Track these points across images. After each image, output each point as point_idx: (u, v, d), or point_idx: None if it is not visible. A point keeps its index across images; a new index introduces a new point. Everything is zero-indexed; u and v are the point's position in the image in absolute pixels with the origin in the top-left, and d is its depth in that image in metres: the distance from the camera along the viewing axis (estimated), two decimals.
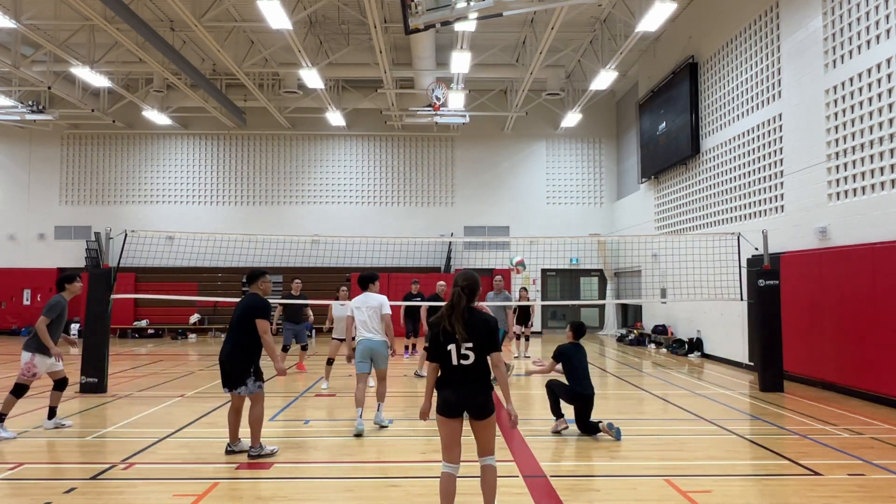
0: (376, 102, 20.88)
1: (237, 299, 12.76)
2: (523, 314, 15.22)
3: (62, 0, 14.40)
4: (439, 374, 4.35)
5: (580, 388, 7.33)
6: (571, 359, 7.52)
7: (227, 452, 6.42)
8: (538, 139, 23.50)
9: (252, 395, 6.37)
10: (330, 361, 10.85)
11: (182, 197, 23.36)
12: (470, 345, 4.22)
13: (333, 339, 10.95)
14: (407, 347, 15.25)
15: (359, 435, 7.24)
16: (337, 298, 11.27)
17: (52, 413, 7.70)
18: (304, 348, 12.77)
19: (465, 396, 4.25)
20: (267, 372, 7.18)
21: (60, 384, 7.83)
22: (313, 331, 21.15)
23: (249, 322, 6.33)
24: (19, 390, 7.51)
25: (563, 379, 7.63)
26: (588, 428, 7.31)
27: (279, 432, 7.56)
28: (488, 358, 4.33)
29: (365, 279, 7.87)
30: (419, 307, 12.86)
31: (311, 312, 13.28)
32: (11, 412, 7.59)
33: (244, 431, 6.52)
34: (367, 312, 7.57)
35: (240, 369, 6.32)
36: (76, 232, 23.08)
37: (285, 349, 12.32)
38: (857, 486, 5.48)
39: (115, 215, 22.34)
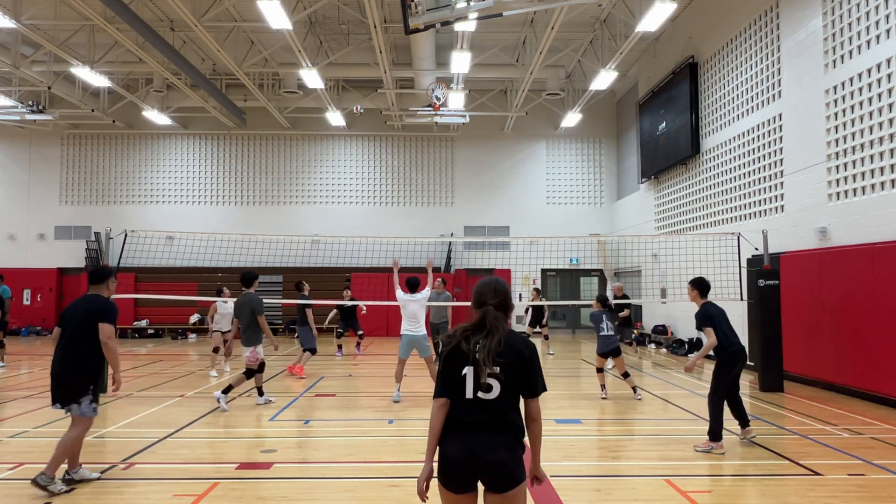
0: (376, 102, 20.88)
1: (237, 299, 12.75)
2: (537, 314, 15.31)
3: (62, 0, 14.41)
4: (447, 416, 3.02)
5: (737, 345, 6.79)
6: (718, 319, 6.81)
7: (66, 481, 5.43)
8: (538, 139, 23.50)
9: (80, 417, 5.42)
10: (216, 350, 12.49)
11: (182, 197, 23.36)
12: (497, 370, 2.91)
13: (215, 331, 12.54)
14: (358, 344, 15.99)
15: (397, 402, 9.16)
16: (220, 296, 12.70)
17: (260, 392, 9.22)
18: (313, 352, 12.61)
19: (479, 450, 2.85)
20: (274, 375, 7.16)
21: (261, 367, 9.18)
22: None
23: (92, 327, 5.42)
24: (251, 373, 9.06)
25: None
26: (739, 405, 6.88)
27: (279, 432, 7.56)
28: (522, 404, 3.01)
29: (413, 284, 9.41)
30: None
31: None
32: (11, 413, 7.58)
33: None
34: (416, 306, 9.09)
35: (81, 380, 5.43)
36: (76, 232, 23.08)
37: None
38: (857, 486, 5.48)
39: (115, 215, 22.33)
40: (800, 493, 5.29)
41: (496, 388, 2.91)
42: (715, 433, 6.55)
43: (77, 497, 5.18)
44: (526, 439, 2.99)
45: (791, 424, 7.88)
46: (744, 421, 6.91)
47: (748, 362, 12.95)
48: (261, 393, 9.22)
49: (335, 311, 16.30)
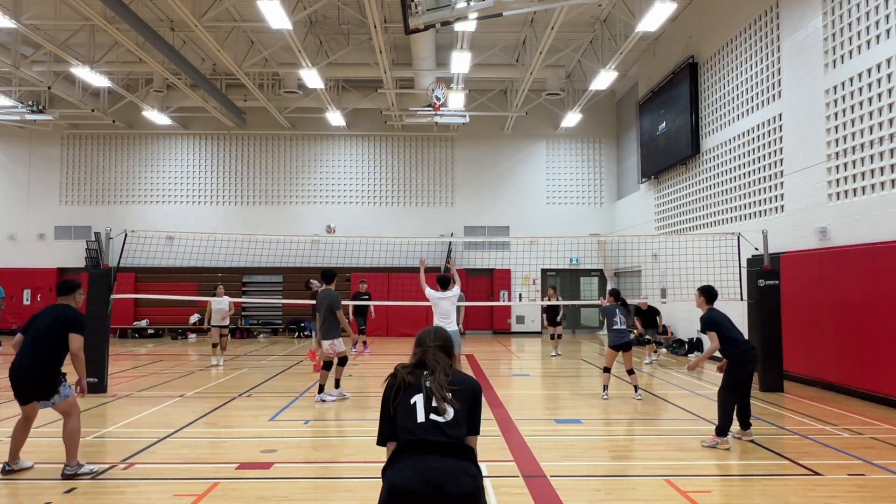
0: (376, 102, 20.87)
1: (237, 299, 12.69)
2: (553, 313, 15.53)
3: (62, 0, 14.40)
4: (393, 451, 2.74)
5: (747, 344, 6.89)
6: (721, 322, 6.93)
7: (5, 472, 5.67)
8: (538, 139, 23.50)
9: (64, 405, 5.70)
10: (215, 345, 13.64)
11: (182, 197, 23.36)
12: (450, 395, 2.76)
13: (213, 326, 13.60)
14: (355, 343, 16.07)
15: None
16: (215, 295, 13.85)
17: (337, 384, 9.61)
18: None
19: (441, 479, 2.51)
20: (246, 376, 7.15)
21: (342, 360, 9.60)
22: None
23: (62, 334, 5.65)
24: (328, 365, 9.48)
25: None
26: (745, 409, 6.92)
27: (279, 432, 7.56)
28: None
29: (445, 282, 9.50)
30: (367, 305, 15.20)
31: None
32: (11, 413, 7.58)
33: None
34: (448, 304, 9.25)
35: (48, 379, 5.65)
36: (76, 232, 23.08)
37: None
38: (857, 486, 5.48)
39: (115, 215, 22.32)
40: (800, 493, 5.29)
41: (450, 412, 2.71)
42: (722, 429, 6.65)
43: (77, 497, 5.18)
44: None
45: (791, 424, 7.87)
46: (745, 423, 6.94)
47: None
48: (336, 385, 9.64)
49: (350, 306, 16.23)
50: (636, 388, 9.70)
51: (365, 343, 16.30)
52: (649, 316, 14.30)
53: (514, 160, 23.52)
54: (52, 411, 5.84)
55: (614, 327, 9.67)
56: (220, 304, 13.55)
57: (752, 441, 6.85)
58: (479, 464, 2.78)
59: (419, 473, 2.51)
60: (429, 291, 9.43)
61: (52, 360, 5.66)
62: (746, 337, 13.16)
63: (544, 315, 15.63)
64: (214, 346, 13.72)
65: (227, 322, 13.82)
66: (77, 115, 21.78)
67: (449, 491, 2.48)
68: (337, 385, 9.64)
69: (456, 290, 9.45)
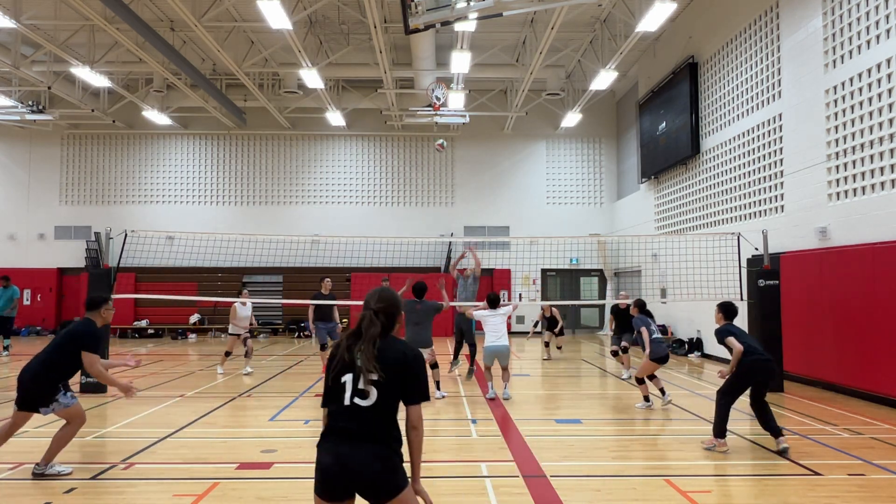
0: (376, 102, 20.88)
1: (237, 299, 12.70)
2: (551, 320, 14.65)
3: (62, 0, 14.40)
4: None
5: (761, 355, 6.68)
6: (734, 332, 6.79)
7: (35, 476, 5.66)
8: (538, 139, 23.50)
9: (67, 411, 5.77)
10: (228, 354, 12.38)
11: (182, 197, 23.36)
12: (374, 377, 2.86)
13: (231, 334, 12.34)
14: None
15: (492, 399, 9.55)
16: (239, 296, 12.50)
17: (437, 385, 9.74)
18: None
19: (353, 459, 2.79)
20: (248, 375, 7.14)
21: (433, 364, 9.72)
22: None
23: (74, 349, 5.75)
24: (435, 365, 9.77)
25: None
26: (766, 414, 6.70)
27: (279, 432, 7.56)
28: (405, 411, 2.97)
29: (494, 301, 9.89)
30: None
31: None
32: (10, 413, 7.56)
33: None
34: (499, 320, 9.65)
35: (48, 389, 5.70)
36: (76, 232, 23.08)
37: (323, 347, 12.37)
38: (857, 486, 5.48)
39: (115, 215, 22.32)
40: (800, 493, 5.29)
41: (373, 394, 2.86)
42: (720, 431, 6.60)
43: (77, 497, 5.18)
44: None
45: (791, 424, 7.87)
46: (774, 431, 6.59)
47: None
48: (437, 387, 9.80)
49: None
50: (647, 398, 8.98)
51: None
52: (626, 318, 11.52)
53: (514, 160, 23.52)
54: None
55: (653, 337, 8.85)
56: (246, 311, 12.28)
57: (785, 449, 6.42)
58: (399, 441, 2.95)
59: (336, 459, 2.81)
60: (479, 313, 9.96)
61: (55, 373, 5.72)
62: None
63: (541, 321, 14.95)
64: (227, 354, 12.37)
65: (247, 329, 12.52)
66: (77, 115, 21.78)
67: (361, 474, 2.79)
68: (437, 387, 9.86)
69: (507, 308, 9.99)
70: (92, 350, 5.75)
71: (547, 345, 14.87)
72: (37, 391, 5.68)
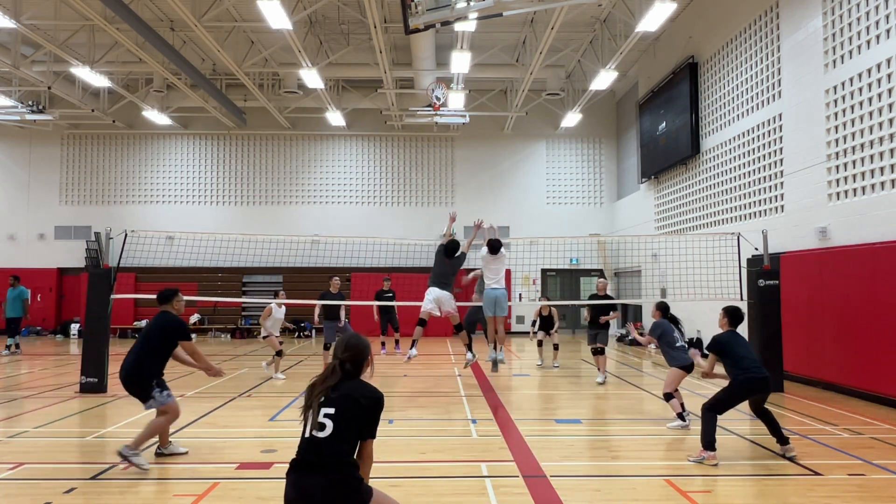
0: (376, 102, 20.87)
1: (237, 299, 12.65)
2: (546, 320, 13.56)
3: (62, 0, 14.40)
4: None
5: (757, 372, 6.32)
6: (732, 346, 6.47)
7: (158, 455, 6.28)
8: (538, 139, 23.50)
9: (163, 407, 6.11)
10: (280, 353, 11.88)
11: (182, 197, 23.36)
12: (331, 411, 3.18)
13: (267, 336, 11.82)
14: (384, 345, 15.81)
15: (493, 360, 9.87)
16: (276, 298, 12.16)
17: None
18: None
19: (311, 493, 3.09)
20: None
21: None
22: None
23: (165, 340, 6.13)
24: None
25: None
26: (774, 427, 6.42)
27: (279, 432, 7.56)
28: (360, 446, 3.31)
29: (496, 247, 10.04)
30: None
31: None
32: (11, 413, 7.57)
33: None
34: (499, 266, 10.00)
35: (145, 382, 6.04)
36: (76, 232, 23.07)
37: (326, 347, 12.32)
38: (857, 486, 5.48)
39: (115, 215, 22.31)
40: (800, 493, 5.29)
41: (329, 426, 3.16)
42: (708, 443, 6.20)
43: (77, 497, 5.18)
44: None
45: (791, 424, 7.87)
46: (781, 438, 6.37)
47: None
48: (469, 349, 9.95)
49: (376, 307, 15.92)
50: (682, 413, 7.89)
51: (397, 342, 16.14)
52: (602, 308, 11.16)
53: (514, 160, 23.52)
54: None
55: (676, 345, 8.12)
56: (280, 313, 11.94)
57: (793, 457, 6.24)
58: (359, 471, 3.25)
59: (297, 491, 3.12)
60: (481, 258, 10.12)
61: (149, 365, 6.05)
62: (746, 335, 13.16)
63: (537, 320, 13.67)
64: (279, 354, 11.91)
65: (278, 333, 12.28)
66: (77, 115, 21.78)
67: (319, 502, 3.08)
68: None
69: (506, 258, 10.22)
70: (187, 338, 6.21)
71: (540, 344, 13.63)
72: (134, 388, 6.04)
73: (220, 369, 6.52)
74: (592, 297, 11.62)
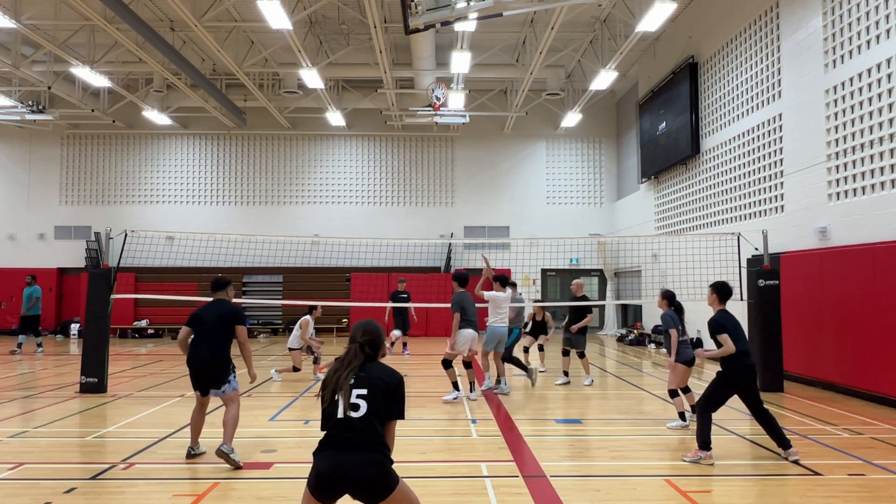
0: (376, 102, 20.88)
1: (237, 299, 12.73)
2: (538, 326, 12.57)
3: (62, 0, 14.40)
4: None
5: (747, 359, 6.23)
6: (728, 328, 6.29)
7: (189, 456, 6.26)
8: (538, 139, 23.50)
9: (230, 395, 6.31)
10: (297, 370, 11.41)
11: (182, 197, 23.36)
12: (363, 392, 3.30)
13: (295, 349, 11.46)
14: (392, 343, 15.56)
15: (486, 389, 10.04)
16: (312, 313, 11.77)
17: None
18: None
19: (351, 472, 3.15)
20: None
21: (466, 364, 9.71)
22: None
23: (227, 326, 6.32)
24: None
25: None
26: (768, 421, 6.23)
27: (279, 432, 7.56)
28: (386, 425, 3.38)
29: (504, 281, 10.21)
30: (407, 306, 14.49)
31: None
32: (11, 413, 7.58)
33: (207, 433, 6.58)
34: (505, 302, 9.98)
35: (224, 368, 6.30)
36: (76, 232, 23.08)
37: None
38: (857, 486, 5.48)
39: (115, 215, 22.32)
40: (800, 493, 5.29)
41: (363, 407, 3.26)
42: (704, 443, 6.14)
43: (77, 497, 5.18)
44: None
45: (791, 424, 7.87)
46: (782, 442, 6.19)
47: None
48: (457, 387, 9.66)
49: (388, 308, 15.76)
50: (685, 412, 7.81)
51: (405, 345, 15.95)
52: (580, 310, 10.90)
53: (514, 160, 23.52)
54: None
55: (681, 339, 7.92)
56: (311, 327, 11.66)
57: (797, 460, 6.10)
58: (389, 452, 3.30)
59: (333, 465, 3.16)
60: (489, 294, 10.01)
61: (224, 351, 6.29)
62: (746, 335, 13.16)
63: (528, 324, 12.51)
64: (296, 370, 11.45)
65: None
66: (77, 115, 21.78)
67: (356, 478, 3.14)
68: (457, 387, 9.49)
69: (510, 293, 10.33)
70: (245, 323, 6.44)
71: (526, 350, 12.66)
72: (216, 373, 6.22)
73: (255, 375, 6.67)
74: (572, 298, 11.41)
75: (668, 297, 8.16)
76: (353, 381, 3.32)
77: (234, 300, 6.75)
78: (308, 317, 11.59)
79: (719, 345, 6.28)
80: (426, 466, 6.08)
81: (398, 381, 3.41)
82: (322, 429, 3.35)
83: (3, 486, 5.45)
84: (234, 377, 6.35)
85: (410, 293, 15.73)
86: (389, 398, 3.34)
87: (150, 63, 16.65)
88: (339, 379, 3.35)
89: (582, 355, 11.10)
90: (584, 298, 11.43)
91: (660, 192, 18.75)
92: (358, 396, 3.28)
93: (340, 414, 3.26)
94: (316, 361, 11.82)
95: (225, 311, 6.38)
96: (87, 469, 5.94)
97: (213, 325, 6.28)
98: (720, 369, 6.35)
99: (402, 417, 3.39)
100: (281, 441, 7.00)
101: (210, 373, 6.23)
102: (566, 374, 11.22)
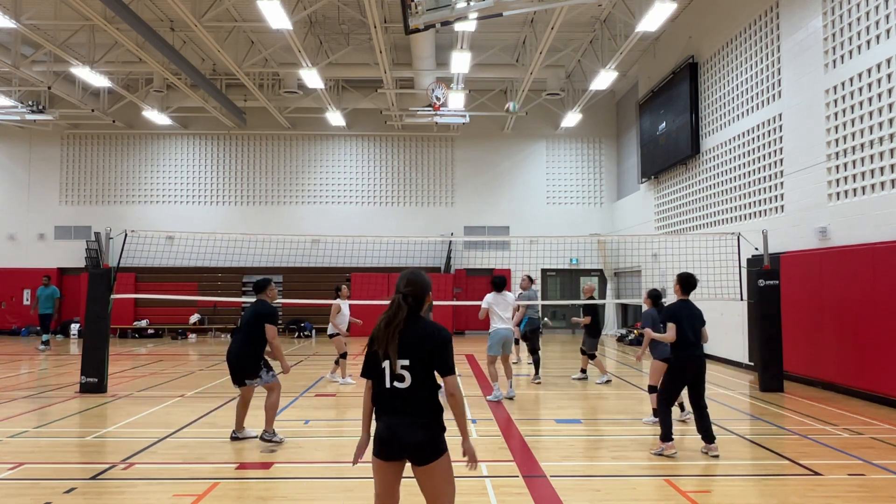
0: (376, 102, 20.87)
1: (237, 299, 12.66)
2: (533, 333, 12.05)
3: (62, 0, 14.40)
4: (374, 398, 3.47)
5: (693, 350, 6.50)
6: (681, 319, 6.60)
7: (233, 439, 6.98)
8: (538, 139, 23.50)
9: (269, 385, 6.90)
10: (344, 356, 11.14)
11: (182, 197, 23.36)
12: (406, 362, 3.31)
13: (334, 335, 11.09)
14: None
15: (496, 401, 9.43)
16: (338, 297, 11.26)
17: None
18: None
19: (400, 432, 3.31)
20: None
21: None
22: (314, 331, 21.32)
23: (260, 325, 6.82)
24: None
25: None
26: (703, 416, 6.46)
27: (279, 432, 7.55)
28: (440, 382, 3.40)
29: (500, 285, 9.65)
30: None
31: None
32: (11, 413, 7.58)
33: (250, 422, 7.17)
34: (505, 306, 9.54)
35: (251, 363, 6.84)
36: (76, 232, 23.08)
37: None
38: (857, 486, 5.48)
39: (115, 215, 22.32)
40: (800, 493, 5.29)
41: (408, 378, 3.31)
42: (665, 435, 6.41)
43: (77, 497, 5.18)
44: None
45: (791, 424, 7.88)
46: (708, 436, 6.45)
47: (749, 362, 12.98)
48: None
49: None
50: (682, 405, 8.23)
51: None
52: (589, 309, 11.35)
53: (514, 160, 23.52)
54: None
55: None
56: (346, 308, 11.19)
57: (717, 456, 6.32)
58: (441, 413, 3.36)
59: (387, 426, 3.33)
60: (486, 300, 9.66)
61: (253, 348, 6.84)
62: (745, 335, 13.14)
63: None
64: (344, 356, 11.13)
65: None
66: (77, 115, 21.78)
67: (408, 441, 3.30)
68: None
69: (512, 296, 9.92)
70: (273, 323, 6.88)
71: (517, 342, 12.75)
72: (242, 367, 6.82)
73: (289, 368, 7.12)
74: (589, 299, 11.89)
75: (654, 297, 8.58)
76: (392, 351, 3.31)
77: (235, 300, 7.03)
78: (337, 300, 11.05)
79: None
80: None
81: (442, 340, 3.37)
82: (363, 375, 3.46)
83: (3, 486, 5.45)
84: (267, 372, 6.89)
85: None
86: (434, 360, 3.35)
87: (150, 63, 16.65)
88: (386, 341, 3.33)
89: (592, 357, 11.31)
90: (591, 299, 11.88)
91: (660, 192, 18.75)
92: (402, 367, 3.31)
93: (387, 384, 3.33)
94: (343, 356, 11.14)
95: (258, 310, 6.94)
96: (87, 469, 5.95)
97: (245, 322, 6.96)
98: (669, 365, 6.71)
99: (452, 373, 3.37)
100: (280, 435, 6.99)
101: (236, 365, 6.82)
102: (583, 371, 11.73)
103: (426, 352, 3.33)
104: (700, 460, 6.33)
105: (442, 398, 3.41)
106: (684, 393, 6.57)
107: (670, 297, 9.84)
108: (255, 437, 6.93)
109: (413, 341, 3.34)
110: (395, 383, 3.32)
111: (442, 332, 3.40)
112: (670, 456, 6.33)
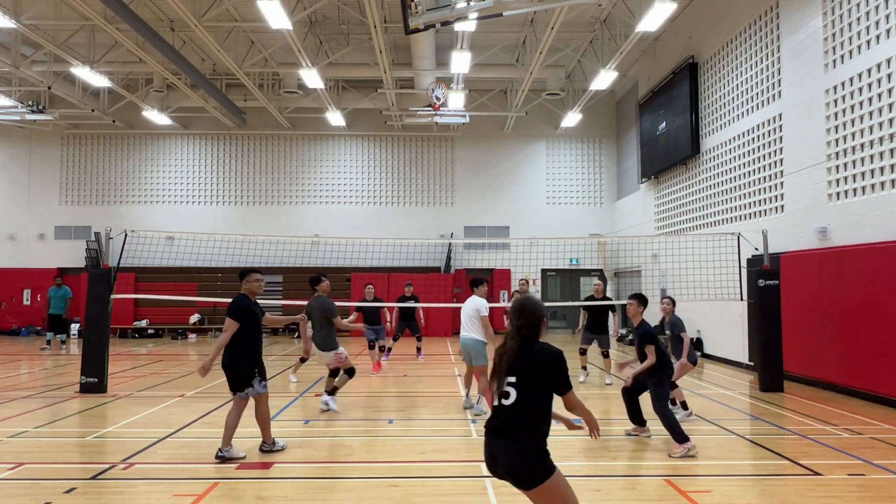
0: (376, 102, 20.87)
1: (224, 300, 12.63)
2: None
3: (62, 0, 14.40)
4: None
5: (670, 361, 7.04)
6: (656, 337, 7.07)
7: (219, 458, 6.18)
8: (538, 139, 23.50)
9: (258, 396, 6.42)
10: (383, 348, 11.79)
11: (182, 197, 23.36)
12: (513, 379, 3.36)
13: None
14: (419, 349, 14.82)
15: (468, 408, 8.68)
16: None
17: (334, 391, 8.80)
18: (381, 349, 12.89)
19: (498, 455, 3.33)
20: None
21: (350, 372, 8.75)
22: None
23: (245, 326, 6.29)
24: (352, 372, 8.75)
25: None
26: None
27: (279, 432, 7.54)
28: (561, 400, 3.47)
29: (476, 282, 8.79)
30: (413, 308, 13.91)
31: (388, 314, 13.81)
32: (11, 413, 7.58)
33: (238, 432, 6.53)
34: (466, 313, 8.45)
35: (244, 371, 6.31)
36: (76, 232, 23.08)
37: (371, 346, 12.70)
38: (857, 486, 5.48)
39: (115, 215, 22.32)
40: (800, 493, 5.29)
41: (513, 394, 3.35)
42: (681, 437, 6.45)
43: (77, 497, 5.18)
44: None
45: (791, 424, 7.88)
46: (640, 420, 7.19)
47: (749, 362, 13.02)
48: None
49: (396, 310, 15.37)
50: (684, 403, 8.38)
51: (419, 349, 14.85)
52: (602, 311, 11.29)
53: (514, 160, 23.53)
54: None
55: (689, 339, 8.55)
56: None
57: (648, 436, 7.10)
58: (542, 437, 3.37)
59: (488, 450, 3.40)
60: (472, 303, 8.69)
61: (237, 351, 6.24)
62: (745, 335, 13.17)
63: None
64: (383, 348, 11.55)
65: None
66: (77, 115, 21.78)
67: (503, 466, 3.31)
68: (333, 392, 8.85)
69: (482, 301, 8.58)
70: (231, 316, 6.23)
71: None
72: (232, 375, 6.32)
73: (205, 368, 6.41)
74: (588, 299, 11.72)
75: (672, 301, 9.11)
76: (507, 367, 3.40)
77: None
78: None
79: (646, 357, 6.93)
80: (426, 466, 6.08)
81: (553, 357, 3.44)
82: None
83: (3, 486, 5.45)
84: (262, 383, 6.42)
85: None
86: (546, 378, 3.40)
87: (150, 63, 16.65)
88: (498, 364, 3.45)
89: (606, 355, 11.63)
90: (606, 299, 11.87)
91: (660, 192, 18.75)
92: (509, 384, 3.37)
93: (496, 401, 3.42)
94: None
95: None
96: (87, 469, 5.95)
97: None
98: (660, 375, 6.93)
99: (569, 389, 3.46)
100: (281, 441, 6.99)
101: (228, 375, 6.37)
102: (584, 368, 11.93)
103: (536, 366, 3.40)
104: (700, 460, 6.32)
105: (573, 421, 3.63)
106: (685, 393, 6.65)
107: (670, 297, 9.83)
108: (244, 457, 6.29)
109: (525, 360, 3.42)
110: (502, 400, 3.39)
111: (553, 350, 3.47)
112: (693, 456, 6.33)
